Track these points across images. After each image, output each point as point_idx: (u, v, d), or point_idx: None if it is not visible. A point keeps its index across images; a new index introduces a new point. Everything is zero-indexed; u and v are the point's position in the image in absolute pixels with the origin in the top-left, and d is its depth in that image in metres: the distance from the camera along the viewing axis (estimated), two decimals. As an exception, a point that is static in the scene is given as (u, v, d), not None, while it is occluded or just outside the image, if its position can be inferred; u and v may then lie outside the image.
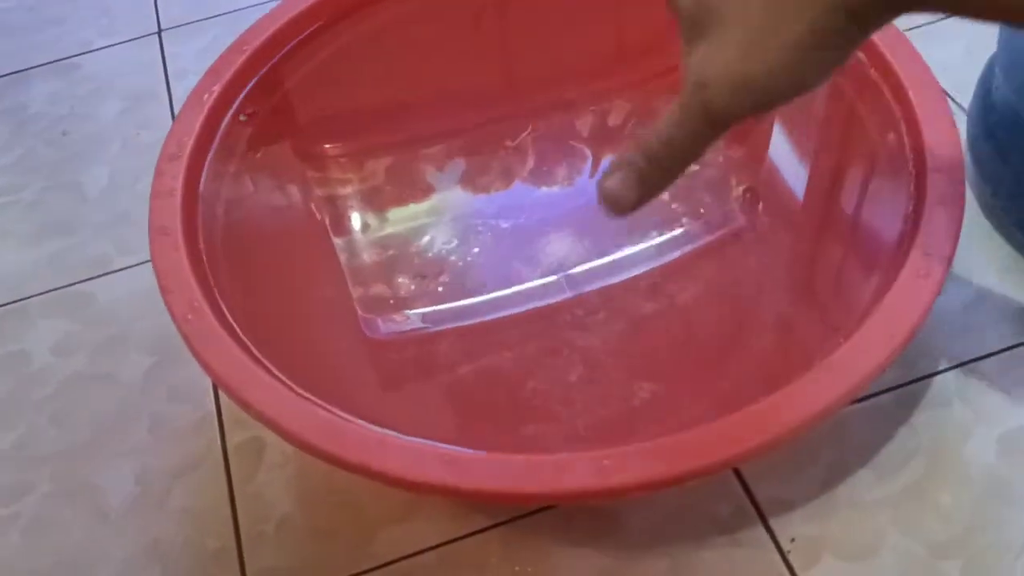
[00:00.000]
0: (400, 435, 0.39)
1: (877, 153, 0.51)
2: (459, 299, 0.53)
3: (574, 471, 0.37)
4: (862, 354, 0.39)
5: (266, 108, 0.58)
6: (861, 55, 0.53)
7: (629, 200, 0.34)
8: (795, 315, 0.50)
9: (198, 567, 0.52)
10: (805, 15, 0.30)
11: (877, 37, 0.51)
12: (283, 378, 0.42)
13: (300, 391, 0.41)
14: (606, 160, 0.58)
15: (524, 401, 0.48)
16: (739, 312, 0.52)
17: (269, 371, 0.42)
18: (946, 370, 0.53)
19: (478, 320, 0.51)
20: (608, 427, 0.45)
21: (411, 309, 0.51)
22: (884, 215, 0.47)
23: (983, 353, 0.54)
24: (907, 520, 0.48)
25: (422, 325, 0.51)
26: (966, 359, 0.54)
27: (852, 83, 0.54)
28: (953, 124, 0.47)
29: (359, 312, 0.52)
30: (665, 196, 0.55)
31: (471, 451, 0.38)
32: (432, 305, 0.52)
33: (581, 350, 0.49)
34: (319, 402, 0.40)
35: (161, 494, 0.54)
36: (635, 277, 0.53)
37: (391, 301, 0.52)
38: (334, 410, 0.40)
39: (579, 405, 0.47)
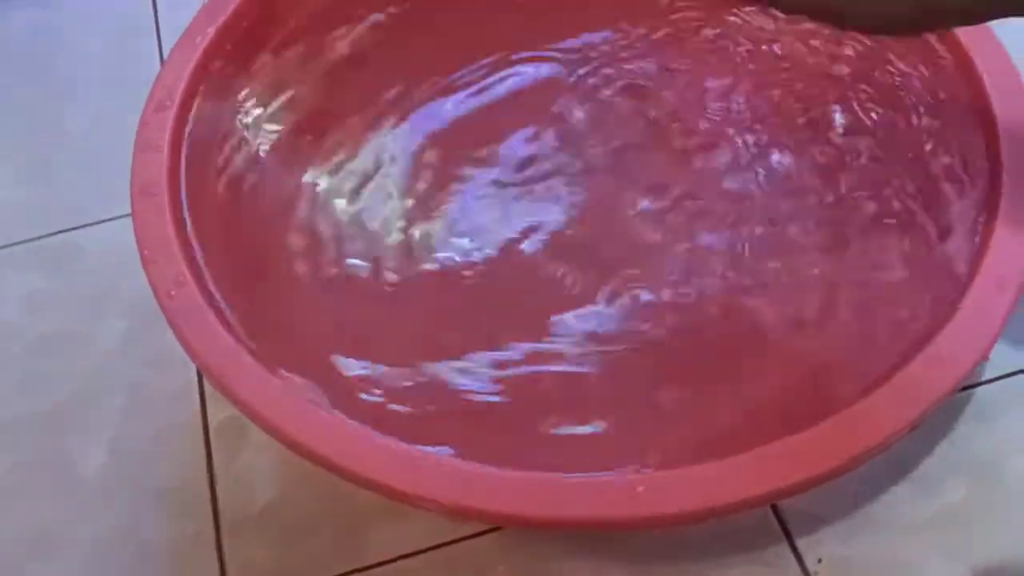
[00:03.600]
0: (410, 444, 0.35)
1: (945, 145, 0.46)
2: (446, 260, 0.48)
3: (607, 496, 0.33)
4: (933, 370, 0.35)
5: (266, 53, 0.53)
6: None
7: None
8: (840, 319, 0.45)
9: (174, 552, 0.48)
10: None
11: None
12: (276, 368, 0.37)
13: (291, 376, 0.37)
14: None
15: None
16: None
17: (259, 359, 0.37)
18: (990, 381, 0.49)
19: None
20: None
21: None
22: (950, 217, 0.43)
23: (1030, 364, 0.50)
24: (948, 543, 0.44)
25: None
26: (1012, 370, 0.50)
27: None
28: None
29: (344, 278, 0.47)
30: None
31: (488, 467, 0.34)
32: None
33: None
34: (317, 399, 0.36)
35: (136, 470, 0.50)
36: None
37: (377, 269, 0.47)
38: (339, 414, 0.36)
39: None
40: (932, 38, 0.48)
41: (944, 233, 0.43)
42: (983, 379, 0.49)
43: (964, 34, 0.46)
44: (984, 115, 0.44)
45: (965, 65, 0.46)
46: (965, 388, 0.49)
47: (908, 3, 0.32)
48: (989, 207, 0.41)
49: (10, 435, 0.52)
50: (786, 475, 0.34)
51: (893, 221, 0.46)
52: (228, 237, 0.44)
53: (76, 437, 0.52)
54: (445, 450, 0.37)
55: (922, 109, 0.48)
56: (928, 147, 0.47)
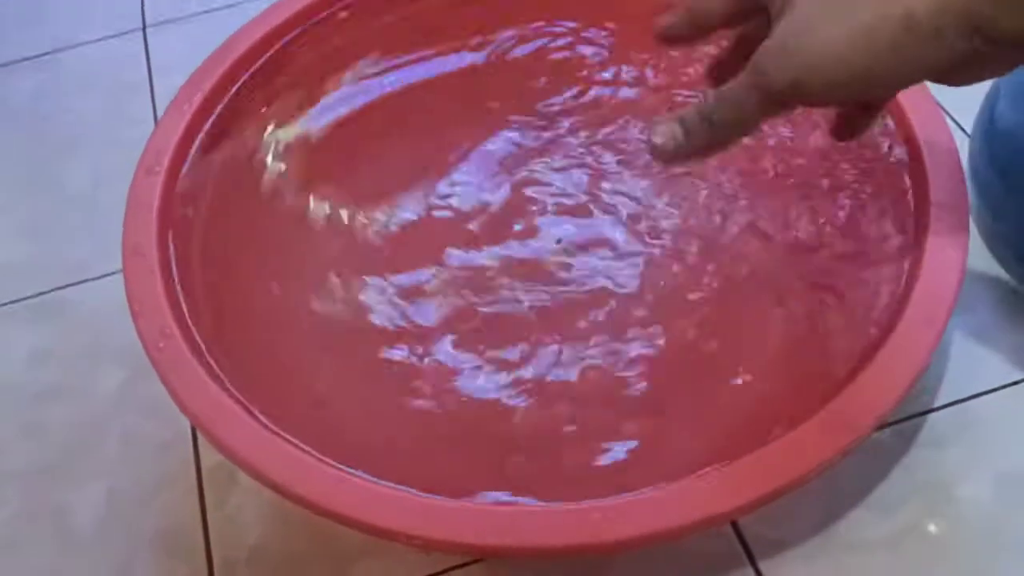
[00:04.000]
0: (379, 481, 0.38)
1: (874, 186, 0.49)
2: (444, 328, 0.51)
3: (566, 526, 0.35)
4: (862, 401, 0.38)
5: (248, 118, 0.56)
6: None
7: (667, 153, 0.34)
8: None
9: (168, 594, 0.50)
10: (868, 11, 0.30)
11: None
12: (259, 415, 0.40)
13: (277, 430, 0.39)
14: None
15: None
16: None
17: (243, 405, 0.40)
18: (942, 407, 0.52)
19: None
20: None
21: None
22: (881, 250, 0.46)
23: (980, 390, 0.52)
24: (905, 565, 0.47)
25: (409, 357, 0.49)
26: (963, 396, 0.52)
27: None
28: (958, 159, 0.46)
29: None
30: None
31: (454, 501, 0.37)
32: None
33: None
34: (297, 443, 0.39)
35: (132, 516, 0.53)
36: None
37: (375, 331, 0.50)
38: (317, 454, 0.38)
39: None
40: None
41: (871, 271, 0.46)
42: (935, 406, 0.52)
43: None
44: (911, 151, 0.48)
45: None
46: (920, 414, 0.52)
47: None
48: (915, 249, 0.44)
49: (12, 485, 0.55)
50: (730, 498, 0.36)
51: (817, 258, 0.49)
52: (215, 292, 0.47)
53: (74, 485, 0.54)
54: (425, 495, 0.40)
55: (845, 148, 0.51)
56: (853, 185, 0.50)
